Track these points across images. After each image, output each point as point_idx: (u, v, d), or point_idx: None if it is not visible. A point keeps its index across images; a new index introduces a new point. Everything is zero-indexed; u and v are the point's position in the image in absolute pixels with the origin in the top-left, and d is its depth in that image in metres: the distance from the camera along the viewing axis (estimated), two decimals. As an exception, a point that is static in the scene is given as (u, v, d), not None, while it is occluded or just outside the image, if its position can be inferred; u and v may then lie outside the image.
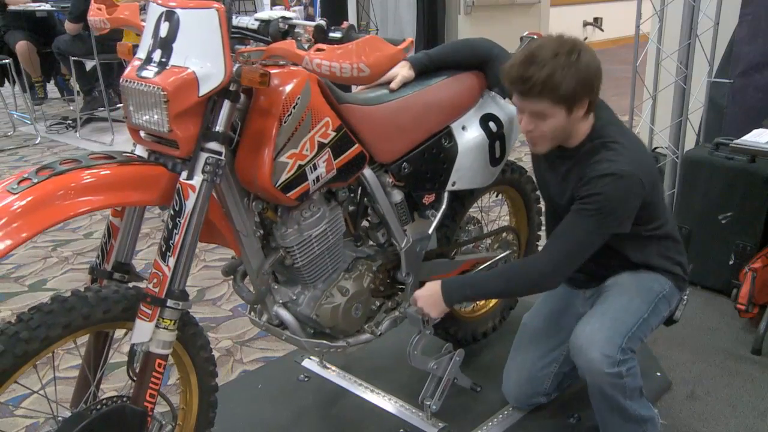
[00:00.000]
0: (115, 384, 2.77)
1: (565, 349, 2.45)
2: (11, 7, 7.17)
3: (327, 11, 7.17)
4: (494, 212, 3.29)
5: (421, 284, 2.49)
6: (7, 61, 6.67)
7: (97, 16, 2.02)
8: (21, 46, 7.20)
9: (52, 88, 8.42)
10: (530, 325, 2.57)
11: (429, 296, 2.25)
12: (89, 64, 6.95)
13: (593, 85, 2.04)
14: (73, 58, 6.57)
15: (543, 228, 3.06)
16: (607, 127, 2.16)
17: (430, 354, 2.44)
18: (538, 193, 2.93)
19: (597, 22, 11.88)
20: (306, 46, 1.73)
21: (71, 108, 7.71)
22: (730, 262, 3.30)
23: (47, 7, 7.11)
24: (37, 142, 6.73)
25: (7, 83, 7.42)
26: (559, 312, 2.54)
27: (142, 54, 1.77)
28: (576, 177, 2.16)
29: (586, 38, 11.62)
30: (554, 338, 2.52)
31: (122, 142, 6.55)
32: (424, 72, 2.41)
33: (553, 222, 2.46)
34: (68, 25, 6.53)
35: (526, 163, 2.57)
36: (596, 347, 2.09)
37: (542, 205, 3.02)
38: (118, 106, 7.42)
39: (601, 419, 2.27)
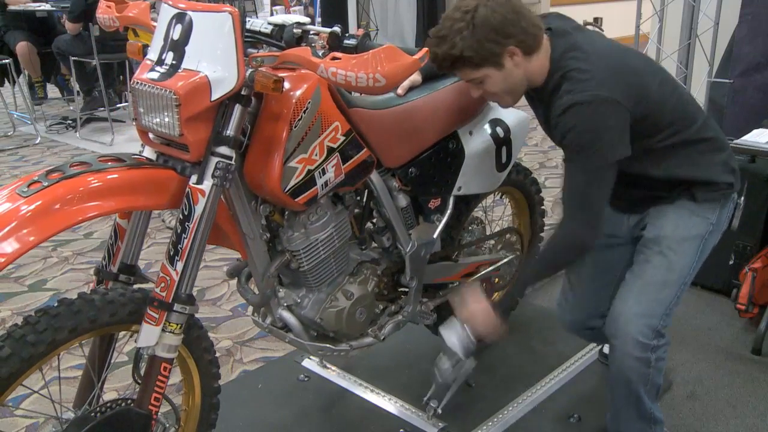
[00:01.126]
0: (115, 384, 2.78)
1: (618, 269, 2.32)
2: (11, 7, 7.16)
3: (327, 11, 7.16)
4: (496, 212, 3.29)
5: (427, 289, 2.49)
6: (7, 61, 6.66)
7: (106, 13, 2.01)
8: (21, 47, 7.19)
9: (52, 88, 8.41)
10: (570, 301, 2.45)
11: (489, 326, 2.14)
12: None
13: (507, 32, 1.90)
14: (73, 58, 6.57)
15: (545, 229, 3.08)
16: (564, 56, 2.00)
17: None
18: (542, 194, 2.94)
19: (597, 22, 11.86)
20: (320, 53, 1.73)
21: (71, 108, 7.69)
22: (730, 262, 3.31)
23: (47, 7, 7.10)
24: (37, 142, 6.72)
25: (7, 83, 7.41)
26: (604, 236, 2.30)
27: (153, 55, 1.77)
28: (550, 116, 2.04)
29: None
30: (604, 260, 2.38)
31: (122, 142, 6.55)
32: (431, 76, 2.40)
33: None
34: (68, 25, 6.54)
35: (527, 163, 2.57)
36: (633, 329, 2.02)
37: (545, 206, 3.04)
38: (118, 106, 7.43)
39: (615, 408, 2.24)
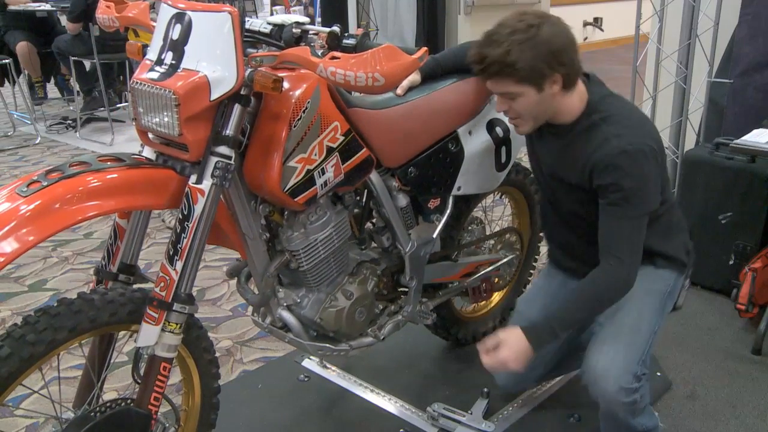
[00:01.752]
0: (114, 384, 2.78)
1: (559, 340, 2.36)
2: (11, 7, 7.15)
3: (327, 11, 7.16)
4: (496, 212, 3.29)
5: (427, 289, 2.49)
6: (7, 61, 6.66)
7: (106, 13, 2.01)
8: (21, 47, 7.19)
9: (52, 88, 8.41)
10: (525, 314, 2.46)
11: (515, 353, 2.05)
12: (89, 64, 6.95)
13: (561, 60, 1.95)
14: (73, 58, 6.57)
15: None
16: (604, 101, 2.09)
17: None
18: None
19: (597, 22, 11.89)
20: (320, 53, 1.73)
21: (71, 108, 7.70)
22: (730, 262, 3.31)
23: (47, 7, 7.10)
24: (37, 142, 6.72)
25: (7, 83, 7.41)
26: (553, 303, 2.41)
27: (152, 56, 1.77)
28: (578, 154, 2.09)
29: (586, 38, 11.65)
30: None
31: (122, 142, 6.55)
32: (431, 76, 2.40)
33: (547, 200, 2.41)
34: (68, 25, 6.54)
35: (527, 163, 2.57)
36: (612, 380, 2.02)
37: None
38: (118, 106, 7.43)
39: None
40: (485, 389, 2.60)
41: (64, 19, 6.98)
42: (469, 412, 2.56)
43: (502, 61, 1.92)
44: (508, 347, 2.05)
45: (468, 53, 2.05)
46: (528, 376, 2.50)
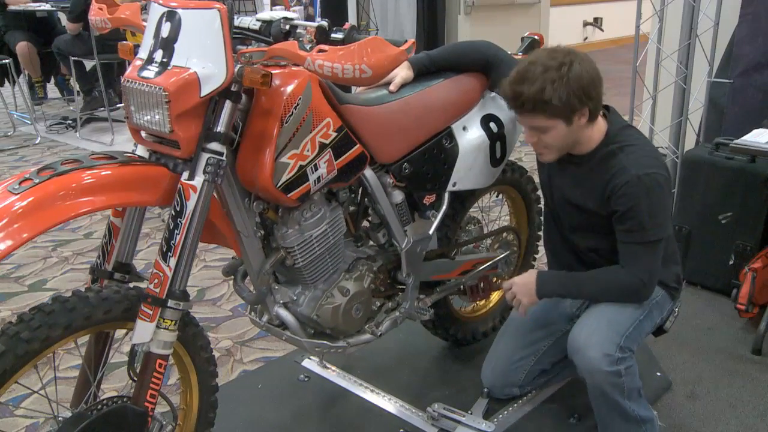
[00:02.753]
0: (114, 384, 2.77)
1: (545, 345, 2.55)
2: (11, 7, 7.16)
3: (327, 11, 7.16)
4: (494, 212, 3.29)
5: (423, 283, 2.50)
6: (7, 61, 6.67)
7: (98, 15, 2.02)
8: (21, 47, 7.20)
9: (52, 88, 8.42)
10: (516, 318, 2.59)
11: (524, 284, 2.32)
12: (89, 64, 6.95)
13: (590, 94, 2.06)
14: (73, 58, 6.57)
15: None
16: (622, 132, 2.21)
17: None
18: (539, 193, 2.93)
19: (597, 22, 11.89)
20: (308, 47, 1.73)
21: (71, 108, 7.71)
22: (730, 262, 3.30)
23: (47, 7, 7.11)
24: (37, 142, 6.73)
25: (7, 83, 7.42)
26: (547, 309, 2.56)
27: (143, 54, 1.77)
28: (597, 182, 2.19)
29: (586, 38, 11.65)
30: (536, 333, 2.56)
31: (122, 142, 6.55)
32: (424, 73, 2.41)
33: (551, 226, 2.52)
34: (68, 25, 6.54)
35: (526, 163, 2.58)
36: (595, 346, 2.12)
37: (542, 205, 3.03)
38: (118, 106, 7.41)
39: (600, 420, 2.28)
40: (485, 389, 2.60)
41: (64, 19, 6.99)
42: (469, 411, 2.56)
43: (538, 99, 2.03)
44: (518, 280, 2.34)
45: (501, 85, 2.16)
46: (510, 380, 2.58)
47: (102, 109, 6.95)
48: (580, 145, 2.20)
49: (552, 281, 2.30)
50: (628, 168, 2.11)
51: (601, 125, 2.20)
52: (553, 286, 2.30)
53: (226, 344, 3.13)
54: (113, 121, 6.74)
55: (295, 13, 1.88)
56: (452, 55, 2.46)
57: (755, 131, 3.10)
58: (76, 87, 7.20)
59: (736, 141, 3.04)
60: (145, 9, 1.94)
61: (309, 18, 7.35)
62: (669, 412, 2.59)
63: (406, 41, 1.74)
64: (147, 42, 1.77)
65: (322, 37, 1.81)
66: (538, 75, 2.03)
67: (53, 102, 8.35)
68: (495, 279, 2.90)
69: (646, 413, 2.25)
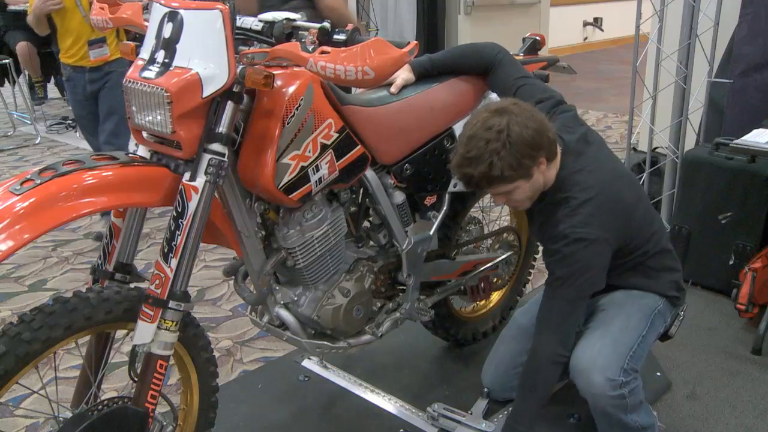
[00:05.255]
0: (114, 384, 2.78)
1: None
2: (11, 7, 7.16)
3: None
4: (495, 212, 3.29)
5: (423, 284, 2.49)
6: (7, 61, 6.66)
7: (99, 15, 2.02)
8: (21, 47, 7.18)
9: (52, 88, 8.41)
10: (518, 321, 2.58)
11: None
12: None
13: (539, 146, 2.01)
14: (73, 58, 6.56)
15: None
16: (569, 179, 2.13)
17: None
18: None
19: (597, 22, 11.89)
20: (310, 48, 1.73)
21: (71, 108, 7.69)
22: (730, 262, 3.31)
23: (47, 7, 7.10)
24: (37, 142, 6.73)
25: (7, 83, 7.41)
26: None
27: (145, 54, 1.77)
28: (543, 227, 2.19)
29: (586, 38, 11.65)
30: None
31: (122, 141, 6.55)
32: (425, 75, 2.40)
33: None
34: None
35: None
36: (599, 371, 2.08)
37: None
38: (118, 106, 7.41)
39: (602, 430, 2.28)
40: (485, 389, 2.60)
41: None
42: (469, 412, 2.56)
43: (489, 176, 2.00)
44: None
45: (451, 168, 2.12)
46: (512, 383, 2.53)
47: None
48: (547, 183, 2.15)
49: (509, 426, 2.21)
50: (558, 225, 2.09)
51: (557, 163, 2.14)
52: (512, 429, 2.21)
53: (226, 344, 3.13)
54: (113, 121, 6.73)
55: (297, 15, 1.87)
56: (453, 59, 2.44)
57: (755, 131, 3.10)
58: (76, 87, 7.19)
59: (736, 141, 3.04)
60: (146, 9, 1.94)
61: (310, 18, 7.32)
62: (669, 412, 2.60)
63: (408, 43, 1.74)
64: (149, 42, 1.77)
65: (324, 38, 1.81)
66: (482, 150, 1.98)
67: (53, 102, 8.34)
68: (495, 279, 2.90)
69: (647, 420, 2.23)
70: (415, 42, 1.75)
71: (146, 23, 1.84)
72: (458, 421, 2.50)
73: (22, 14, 7.20)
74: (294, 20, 1.87)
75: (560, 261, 2.09)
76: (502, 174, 1.98)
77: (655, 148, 4.14)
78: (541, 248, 2.89)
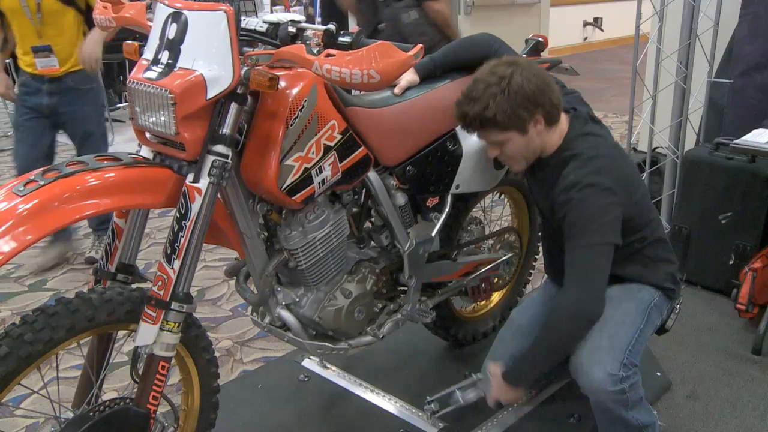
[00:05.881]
0: (114, 384, 2.78)
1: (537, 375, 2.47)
2: (11, 7, 7.13)
3: (327, 11, 7.15)
4: (495, 212, 3.29)
5: (426, 287, 2.49)
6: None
7: (102, 14, 2.01)
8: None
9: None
10: (516, 321, 2.56)
11: (504, 394, 2.23)
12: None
13: (537, 102, 2.06)
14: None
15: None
16: (577, 139, 2.18)
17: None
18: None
19: (597, 22, 11.89)
20: (315, 51, 1.73)
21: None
22: (730, 262, 3.31)
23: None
24: (36, 141, 6.70)
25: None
26: (544, 313, 2.52)
27: (149, 55, 1.77)
28: (548, 189, 2.20)
29: (586, 38, 11.65)
30: (535, 335, 2.52)
31: (122, 142, 6.55)
32: (429, 76, 2.41)
33: (545, 229, 2.52)
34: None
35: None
36: (598, 366, 2.07)
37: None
38: (118, 106, 7.41)
39: (603, 429, 2.28)
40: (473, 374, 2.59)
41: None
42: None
43: (483, 116, 2.06)
44: (498, 395, 2.24)
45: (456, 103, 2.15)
46: None
47: (101, 108, 6.94)
48: (546, 149, 2.19)
49: (516, 370, 2.21)
50: (569, 175, 2.10)
51: (562, 129, 2.19)
52: (522, 372, 2.21)
53: (226, 344, 3.14)
54: (113, 121, 6.74)
55: (302, 17, 1.87)
56: (453, 53, 2.46)
57: (755, 131, 3.11)
58: (76, 87, 7.16)
59: (736, 141, 3.05)
60: (150, 8, 1.93)
61: (309, 18, 7.34)
62: (669, 412, 2.60)
63: (413, 46, 1.74)
64: (153, 43, 1.77)
65: (329, 40, 1.81)
66: (481, 92, 2.05)
67: (53, 102, 8.31)
68: (496, 280, 2.90)
69: (648, 418, 2.24)
70: (420, 45, 1.75)
71: (150, 23, 1.84)
72: (451, 394, 2.52)
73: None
74: (299, 22, 1.87)
75: (574, 208, 2.07)
76: (494, 118, 2.03)
77: (655, 148, 4.14)
78: (541, 248, 2.89)
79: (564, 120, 2.19)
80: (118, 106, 7.43)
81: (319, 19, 7.43)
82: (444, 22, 3.60)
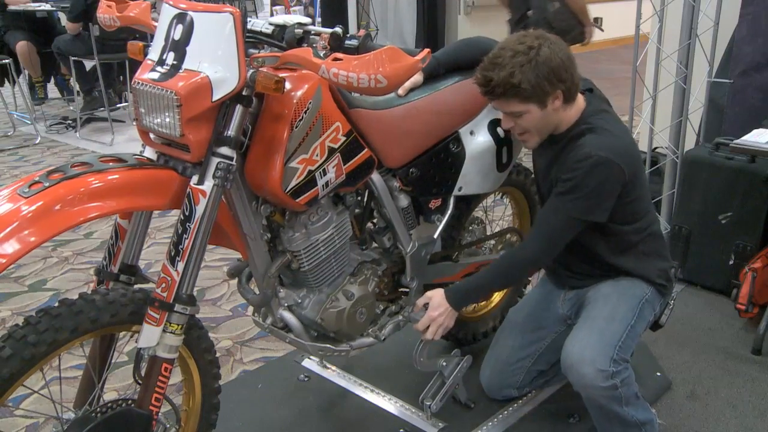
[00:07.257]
0: (116, 384, 2.78)
1: (541, 346, 2.54)
2: (11, 7, 7.15)
3: (327, 11, 7.17)
4: (496, 212, 3.29)
5: (426, 286, 2.50)
6: (7, 61, 6.66)
7: (106, 13, 2.01)
8: (21, 47, 7.19)
9: (52, 88, 8.40)
10: (512, 319, 2.61)
11: (438, 309, 2.27)
12: (89, 64, 6.94)
13: (560, 77, 2.08)
14: (73, 58, 6.56)
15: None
16: (595, 115, 2.21)
17: (437, 356, 2.52)
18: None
19: (597, 22, 11.87)
20: (321, 54, 1.73)
21: (71, 108, 7.69)
22: (730, 262, 3.31)
23: (47, 7, 7.10)
24: (37, 142, 6.72)
25: (7, 83, 7.41)
26: (540, 310, 2.58)
27: (154, 55, 1.76)
28: (557, 160, 2.22)
29: (585, 38, 11.60)
30: (532, 334, 2.57)
31: (122, 142, 6.55)
32: (433, 76, 2.40)
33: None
34: (68, 25, 6.54)
35: (528, 164, 2.58)
36: (588, 363, 2.10)
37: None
38: (118, 106, 7.42)
39: (599, 427, 2.29)
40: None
41: (64, 19, 6.98)
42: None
43: (507, 83, 2.05)
44: (432, 312, 2.28)
45: (474, 77, 2.17)
46: (508, 381, 2.59)
47: (102, 109, 6.95)
48: (560, 126, 2.21)
49: (463, 294, 2.30)
50: (583, 145, 2.12)
51: (580, 106, 2.22)
52: (467, 297, 2.33)
53: (226, 344, 3.14)
54: (113, 121, 6.74)
55: (309, 19, 1.87)
56: (455, 52, 2.46)
57: (755, 131, 3.11)
58: (76, 87, 7.19)
59: (736, 141, 3.05)
60: (154, 8, 1.93)
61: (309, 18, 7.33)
62: (669, 412, 2.60)
63: (421, 50, 1.73)
64: (158, 43, 1.77)
65: (336, 43, 1.81)
66: (507, 60, 2.05)
67: (53, 102, 8.33)
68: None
69: (645, 415, 2.25)
70: (428, 50, 1.74)
71: (154, 23, 1.84)
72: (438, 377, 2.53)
73: (22, 14, 7.23)
74: (306, 24, 1.86)
75: (578, 175, 2.11)
76: (519, 85, 2.04)
77: (655, 148, 4.14)
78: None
79: (581, 99, 2.22)
80: (118, 106, 7.44)
81: (319, 20, 7.44)
82: (581, 10, 4.20)
